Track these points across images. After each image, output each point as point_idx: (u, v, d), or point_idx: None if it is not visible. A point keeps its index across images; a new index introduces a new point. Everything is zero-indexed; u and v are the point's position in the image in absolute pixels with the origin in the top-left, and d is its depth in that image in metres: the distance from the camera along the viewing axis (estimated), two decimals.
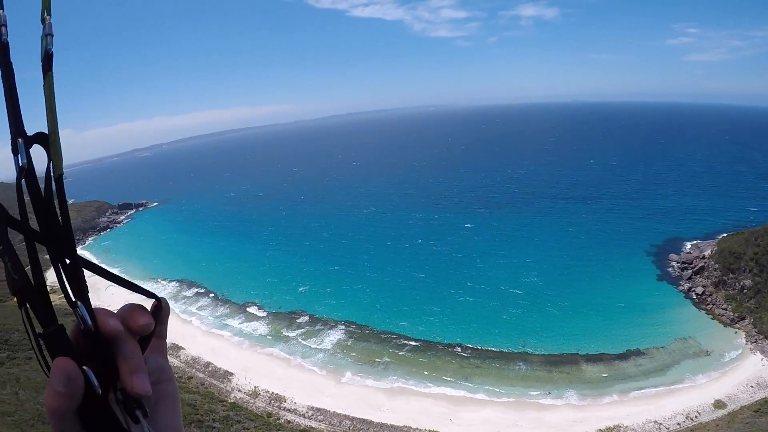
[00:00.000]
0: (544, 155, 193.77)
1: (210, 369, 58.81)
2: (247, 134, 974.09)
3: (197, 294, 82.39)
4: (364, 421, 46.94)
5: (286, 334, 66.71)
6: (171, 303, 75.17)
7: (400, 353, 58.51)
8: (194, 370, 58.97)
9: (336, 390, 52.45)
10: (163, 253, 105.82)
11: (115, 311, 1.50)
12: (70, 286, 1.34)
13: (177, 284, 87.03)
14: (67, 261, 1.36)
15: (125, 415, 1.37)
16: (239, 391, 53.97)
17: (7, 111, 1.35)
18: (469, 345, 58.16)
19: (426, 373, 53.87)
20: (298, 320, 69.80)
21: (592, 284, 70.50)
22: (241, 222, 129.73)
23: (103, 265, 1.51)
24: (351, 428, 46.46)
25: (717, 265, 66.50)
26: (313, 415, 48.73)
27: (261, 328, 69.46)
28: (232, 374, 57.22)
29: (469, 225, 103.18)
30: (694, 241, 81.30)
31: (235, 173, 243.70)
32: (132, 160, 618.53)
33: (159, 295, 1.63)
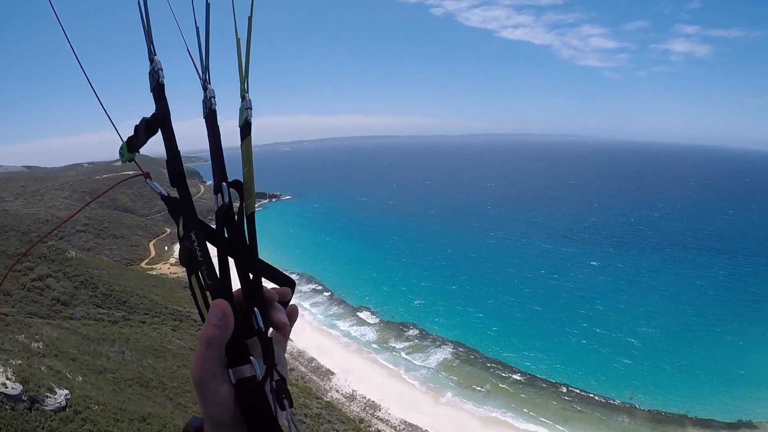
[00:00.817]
0: (681, 200, 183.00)
1: (313, 365, 59.81)
2: (389, 142, 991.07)
3: (313, 290, 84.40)
4: None
5: (393, 344, 66.83)
6: None
7: (503, 384, 56.87)
8: (297, 363, 60.16)
9: (432, 409, 51.70)
10: (287, 245, 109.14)
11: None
12: (250, 293, 1.73)
13: (296, 277, 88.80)
14: (251, 275, 1.76)
15: (275, 402, 1.63)
16: (337, 391, 54.47)
17: (212, 163, 1.70)
18: (575, 388, 55.64)
19: (526, 408, 52.01)
20: (407, 333, 69.78)
21: (714, 345, 65.55)
22: (368, 227, 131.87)
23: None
24: None
25: None
26: (404, 429, 48.32)
27: (370, 333, 69.96)
28: (333, 373, 57.90)
29: (594, 263, 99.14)
30: None
31: (370, 179, 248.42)
32: (273, 152, 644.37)
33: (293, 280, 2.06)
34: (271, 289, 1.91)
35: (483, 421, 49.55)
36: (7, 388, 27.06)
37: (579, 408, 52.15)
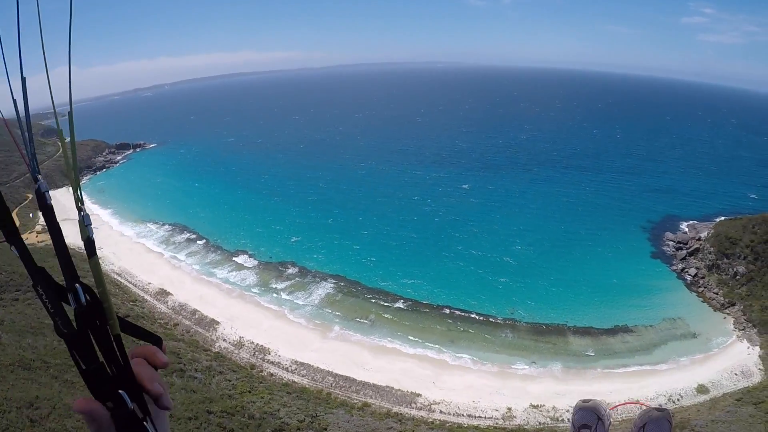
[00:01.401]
0: (548, 121, 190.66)
1: (197, 317, 58.50)
2: (253, 79, 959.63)
3: (188, 240, 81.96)
4: (347, 378, 46.65)
5: (275, 285, 66.41)
6: (161, 247, 75.81)
7: (388, 312, 58.14)
8: (181, 317, 58.63)
9: (321, 345, 52.30)
10: (156, 195, 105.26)
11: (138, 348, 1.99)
12: (117, 378, 1.68)
13: (169, 228, 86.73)
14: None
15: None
16: (224, 340, 53.77)
17: (60, 264, 1.57)
18: (457, 309, 57.68)
19: (412, 334, 53.52)
20: (287, 271, 69.56)
21: (585, 257, 69.85)
22: (238, 169, 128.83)
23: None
24: (333, 385, 46.18)
25: (712, 249, 65.77)
26: (296, 369, 48.54)
27: (250, 277, 69.14)
28: (218, 323, 56.95)
29: (466, 186, 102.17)
30: (691, 222, 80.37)
31: (236, 118, 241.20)
32: (133, 99, 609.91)
33: (159, 336, 2.10)
34: (138, 351, 1.95)
35: (372, 351, 50.61)
36: None
37: (463, 328, 54.17)
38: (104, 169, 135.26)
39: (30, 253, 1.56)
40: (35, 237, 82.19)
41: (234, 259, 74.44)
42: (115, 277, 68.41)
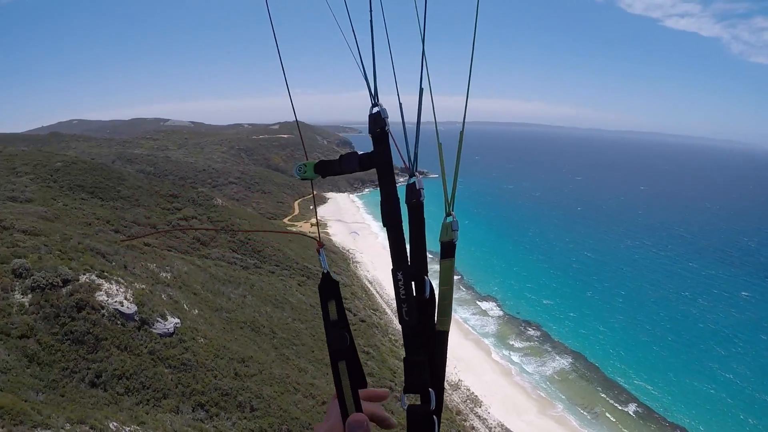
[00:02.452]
0: None
1: None
2: (541, 131, 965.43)
3: None
4: None
5: (512, 342, 65.35)
6: None
7: (614, 413, 53.05)
8: None
9: (534, 418, 49.92)
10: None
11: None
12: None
13: (428, 255, 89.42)
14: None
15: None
16: None
17: (412, 255, 1.77)
18: None
19: None
20: (528, 332, 68.07)
21: None
22: (509, 216, 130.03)
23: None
24: None
25: None
26: None
27: (490, 326, 69.09)
28: None
29: (745, 294, 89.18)
30: None
31: (518, 167, 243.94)
32: (424, 130, 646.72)
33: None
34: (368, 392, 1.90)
35: None
36: (123, 306, 30.03)
37: None
38: None
39: (404, 242, 1.74)
40: (309, 227, 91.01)
41: (480, 303, 74.90)
42: (366, 283, 73.03)
